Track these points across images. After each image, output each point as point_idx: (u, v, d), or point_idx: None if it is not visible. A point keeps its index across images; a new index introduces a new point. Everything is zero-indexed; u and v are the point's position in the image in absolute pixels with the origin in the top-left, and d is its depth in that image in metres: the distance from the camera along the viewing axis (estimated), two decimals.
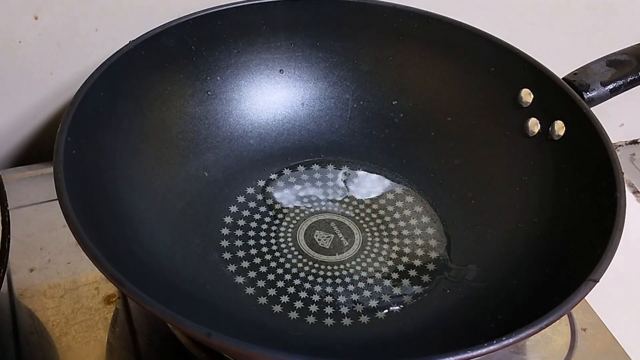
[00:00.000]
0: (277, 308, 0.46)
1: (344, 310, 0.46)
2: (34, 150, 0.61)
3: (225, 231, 0.51)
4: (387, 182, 0.55)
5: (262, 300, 0.47)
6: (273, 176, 0.55)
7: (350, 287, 0.48)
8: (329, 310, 0.46)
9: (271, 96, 0.57)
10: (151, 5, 0.56)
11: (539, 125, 0.50)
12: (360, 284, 0.48)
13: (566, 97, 0.49)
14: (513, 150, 0.52)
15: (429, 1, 0.57)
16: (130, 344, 0.46)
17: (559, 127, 0.49)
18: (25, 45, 0.55)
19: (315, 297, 0.47)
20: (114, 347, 0.45)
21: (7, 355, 0.44)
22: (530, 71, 0.51)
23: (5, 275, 0.40)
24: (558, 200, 0.47)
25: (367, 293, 0.48)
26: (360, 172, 0.56)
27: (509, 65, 0.52)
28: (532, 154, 0.51)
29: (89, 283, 0.49)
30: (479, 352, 0.33)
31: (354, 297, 0.47)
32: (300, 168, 0.56)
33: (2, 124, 0.59)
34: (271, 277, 0.48)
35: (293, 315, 0.46)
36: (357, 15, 0.57)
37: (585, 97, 0.49)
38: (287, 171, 0.56)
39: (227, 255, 0.49)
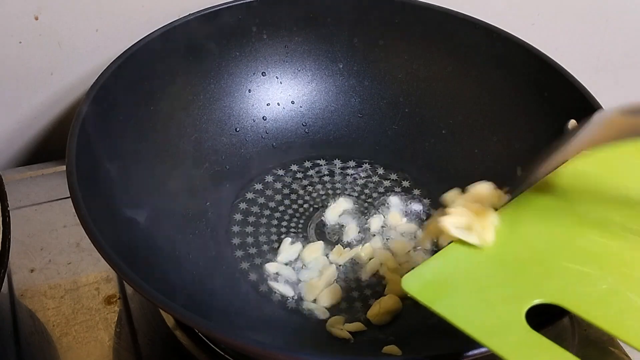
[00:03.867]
0: (292, 303, 0.47)
1: (358, 305, 0.47)
2: (35, 151, 0.61)
3: (235, 228, 0.51)
4: (416, 190, 0.55)
5: (276, 296, 0.47)
6: (280, 172, 0.56)
7: (364, 276, 0.48)
8: (343, 305, 0.47)
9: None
10: (152, 6, 0.56)
11: None
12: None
13: None
14: None
15: None
16: (131, 345, 0.46)
17: None
18: (26, 46, 0.55)
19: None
20: (115, 347, 0.45)
21: (7, 355, 0.44)
22: (581, 103, 0.48)
23: (6, 276, 0.40)
24: None
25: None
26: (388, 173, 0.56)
27: (563, 92, 0.50)
28: None
29: (90, 283, 0.49)
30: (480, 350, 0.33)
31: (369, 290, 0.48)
32: (321, 162, 0.57)
33: (2, 124, 0.59)
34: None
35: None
36: (420, 20, 0.56)
37: None
38: (294, 167, 0.56)
39: (239, 253, 0.50)
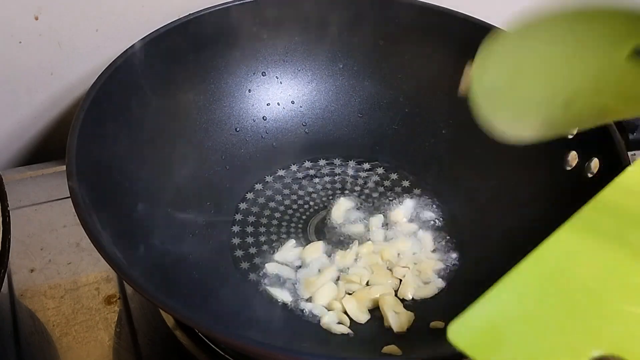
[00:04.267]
0: (291, 303, 0.47)
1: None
2: (35, 151, 0.61)
3: (235, 228, 0.51)
4: (417, 190, 0.55)
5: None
6: (281, 172, 0.56)
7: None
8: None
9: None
10: (152, 6, 0.56)
11: (577, 159, 0.47)
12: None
13: (607, 136, 0.45)
14: (546, 179, 0.49)
15: None
16: (131, 345, 0.46)
17: (595, 165, 0.46)
18: (26, 46, 0.55)
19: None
20: (115, 347, 0.45)
21: (7, 355, 0.44)
22: None
23: (6, 276, 0.40)
24: None
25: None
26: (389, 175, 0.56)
27: None
28: (562, 186, 0.47)
29: (90, 283, 0.49)
30: None
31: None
32: (321, 162, 0.57)
33: (2, 124, 0.59)
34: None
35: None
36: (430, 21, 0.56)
37: (630, 137, 0.46)
38: (294, 167, 0.56)
39: (239, 253, 0.50)
